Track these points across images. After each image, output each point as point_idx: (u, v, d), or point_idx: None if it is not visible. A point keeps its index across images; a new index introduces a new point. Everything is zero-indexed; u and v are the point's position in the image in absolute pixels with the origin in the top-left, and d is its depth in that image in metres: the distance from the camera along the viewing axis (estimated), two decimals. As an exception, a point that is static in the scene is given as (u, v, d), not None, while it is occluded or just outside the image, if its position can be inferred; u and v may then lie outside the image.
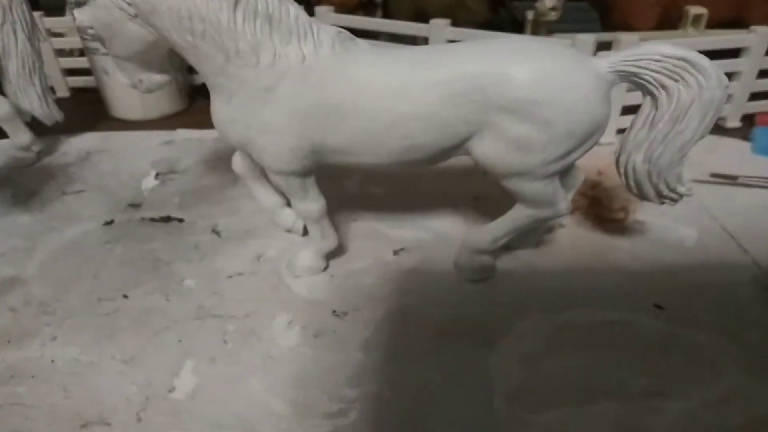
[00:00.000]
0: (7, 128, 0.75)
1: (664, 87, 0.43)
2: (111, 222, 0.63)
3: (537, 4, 0.77)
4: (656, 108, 0.43)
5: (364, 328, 0.48)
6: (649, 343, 0.46)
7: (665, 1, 0.79)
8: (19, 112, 0.75)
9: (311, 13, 0.86)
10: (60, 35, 0.96)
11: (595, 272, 0.54)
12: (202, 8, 0.41)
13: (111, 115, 0.89)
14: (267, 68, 0.43)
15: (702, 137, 0.44)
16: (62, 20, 0.92)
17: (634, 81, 0.44)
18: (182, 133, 0.82)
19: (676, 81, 0.42)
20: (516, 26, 0.87)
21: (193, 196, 0.67)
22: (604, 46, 0.71)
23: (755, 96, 0.78)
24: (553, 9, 0.76)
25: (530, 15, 0.79)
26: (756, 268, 0.54)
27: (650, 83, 0.43)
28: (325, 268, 0.54)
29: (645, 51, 0.43)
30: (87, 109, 0.90)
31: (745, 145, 0.74)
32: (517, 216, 0.48)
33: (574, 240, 0.58)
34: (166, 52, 0.47)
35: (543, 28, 0.80)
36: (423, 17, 0.93)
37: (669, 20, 0.80)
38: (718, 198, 0.64)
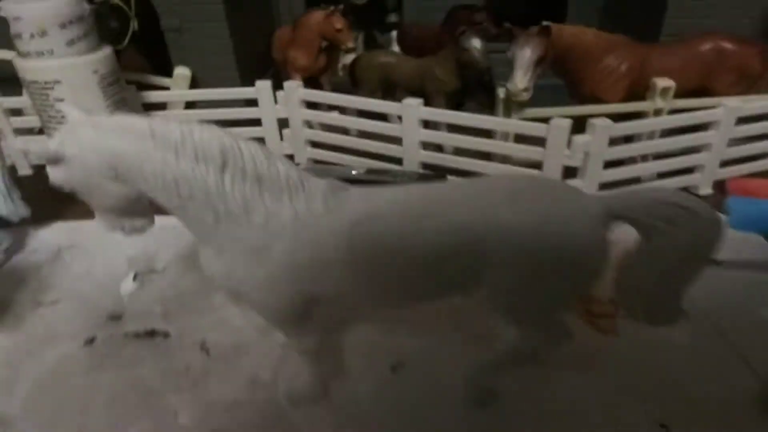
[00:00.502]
0: (-29, 227, 0.72)
1: (660, 231, 0.44)
2: (92, 340, 0.62)
3: (508, 86, 0.78)
4: (654, 249, 0.44)
5: None
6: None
7: (633, 74, 0.81)
8: (-18, 213, 0.73)
9: (279, 86, 0.86)
10: (19, 113, 0.93)
11: (598, 388, 0.55)
12: (187, 173, 0.41)
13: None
14: (259, 228, 0.43)
15: (699, 272, 0.46)
16: (20, 99, 0.90)
17: (629, 221, 0.44)
18: (157, 221, 0.80)
19: (674, 225, 0.43)
20: (487, 91, 0.89)
21: (177, 303, 0.67)
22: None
23: (725, 163, 0.82)
24: (525, 90, 0.77)
25: (502, 94, 0.81)
26: (755, 380, 0.56)
27: (646, 227, 0.44)
28: (323, 395, 0.53)
29: (640, 196, 0.44)
30: (49, 188, 0.88)
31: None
32: (512, 350, 0.51)
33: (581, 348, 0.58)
34: (143, 204, 0.46)
35: (515, 107, 0.81)
36: (391, 86, 0.94)
37: (637, 93, 0.82)
38: (702, 285, 0.65)
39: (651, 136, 0.81)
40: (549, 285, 0.44)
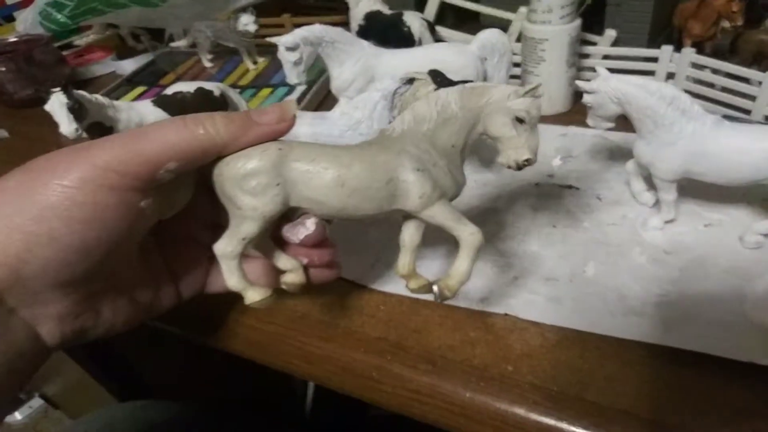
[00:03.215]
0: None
1: None
2: (538, 184, 1.18)
3: None
4: None
5: (681, 261, 0.95)
6: None
7: None
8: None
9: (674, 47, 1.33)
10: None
11: None
12: (653, 106, 0.88)
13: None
14: (675, 133, 0.89)
15: None
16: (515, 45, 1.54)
17: None
18: (573, 129, 1.38)
19: None
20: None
21: (584, 175, 1.22)
22: None
23: None
24: None
25: None
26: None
27: None
28: (662, 229, 1.01)
29: None
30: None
31: None
32: None
33: None
34: (618, 116, 1.00)
35: None
36: (763, 57, 1.32)
37: None
38: None
39: None
40: None
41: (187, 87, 1.19)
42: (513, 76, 1.50)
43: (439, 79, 0.94)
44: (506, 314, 0.91)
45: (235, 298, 0.69)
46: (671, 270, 0.94)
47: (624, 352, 0.83)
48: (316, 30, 1.20)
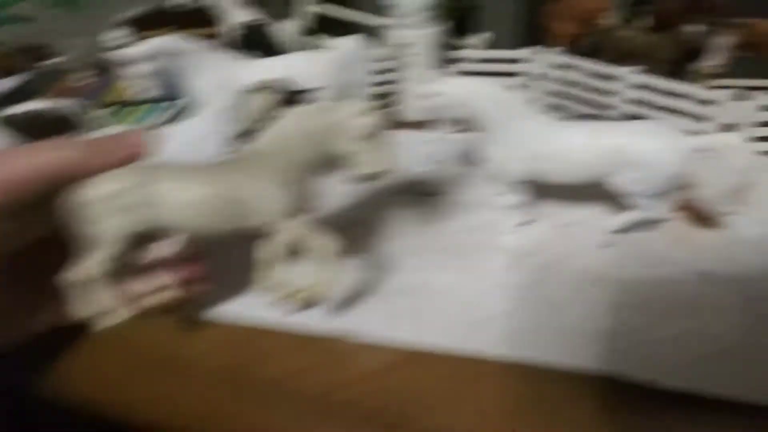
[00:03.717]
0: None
1: (719, 157, 0.84)
2: (399, 192, 1.16)
3: (701, 63, 1.14)
4: (714, 167, 0.85)
5: (538, 265, 0.92)
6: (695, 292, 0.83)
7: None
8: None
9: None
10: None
11: (680, 248, 0.91)
12: (495, 107, 0.88)
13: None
14: (518, 133, 0.88)
15: (740, 187, 0.84)
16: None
17: (706, 152, 0.85)
18: (439, 134, 1.34)
19: (725, 157, 0.84)
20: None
21: (447, 180, 1.18)
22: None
23: None
24: (714, 67, 1.12)
25: (694, 68, 1.16)
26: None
27: (713, 155, 0.85)
28: (520, 231, 1.00)
29: (713, 139, 0.87)
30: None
31: None
32: (633, 215, 0.91)
33: (676, 227, 0.96)
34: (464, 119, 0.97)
35: (703, 78, 1.17)
36: (627, 54, 1.33)
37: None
38: None
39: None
40: (653, 182, 0.87)
41: (38, 105, 1.15)
42: (384, 83, 1.48)
43: (284, 89, 0.89)
44: (348, 335, 0.85)
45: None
46: (524, 275, 0.92)
47: (470, 368, 0.79)
48: (168, 40, 1.15)
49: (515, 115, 0.86)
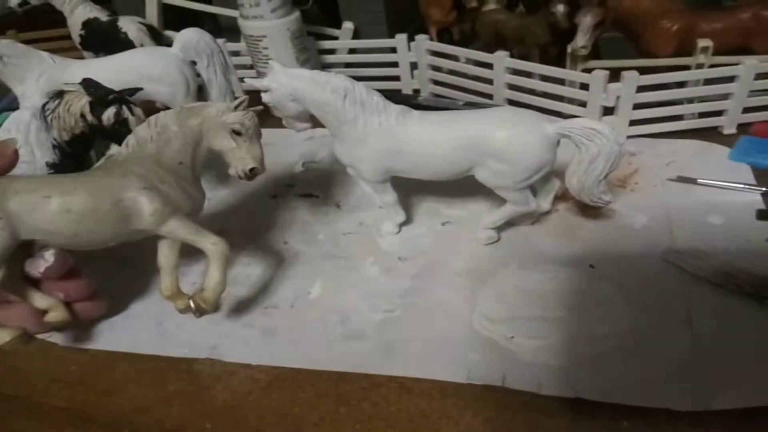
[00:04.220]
0: (211, 133, 1.25)
1: (583, 144, 0.79)
2: (275, 197, 1.09)
3: (572, 44, 1.12)
4: (580, 155, 0.80)
5: (415, 268, 0.87)
6: (579, 288, 0.81)
7: (681, 34, 1.09)
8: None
9: (411, 39, 1.27)
10: (237, 54, 1.45)
11: (563, 242, 0.89)
12: (329, 100, 0.82)
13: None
14: (361, 129, 0.81)
15: (609, 172, 0.80)
16: (238, 45, 1.41)
17: (568, 138, 0.81)
18: (319, 131, 1.27)
19: (590, 141, 0.78)
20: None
21: (326, 180, 1.12)
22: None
23: (748, 110, 1.08)
24: (583, 47, 1.10)
25: (569, 49, 1.14)
26: (671, 246, 0.85)
27: (576, 141, 0.80)
28: (397, 233, 0.94)
29: (574, 123, 0.79)
30: (255, 106, 1.39)
31: (726, 152, 1.04)
32: (506, 210, 0.86)
33: (560, 220, 0.94)
34: (308, 116, 0.91)
35: (579, 60, 1.15)
36: (501, 38, 1.30)
37: (684, 49, 1.10)
38: (676, 195, 0.95)
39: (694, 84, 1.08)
40: (516, 173, 0.81)
41: None
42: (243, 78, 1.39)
43: (93, 90, 0.80)
44: (208, 358, 0.77)
45: None
46: (403, 280, 0.86)
47: (341, 386, 0.73)
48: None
49: (360, 106, 0.80)
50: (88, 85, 0.80)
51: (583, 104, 1.09)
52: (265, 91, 0.84)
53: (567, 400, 0.67)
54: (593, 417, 0.65)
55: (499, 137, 0.78)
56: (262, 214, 1.05)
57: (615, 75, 1.05)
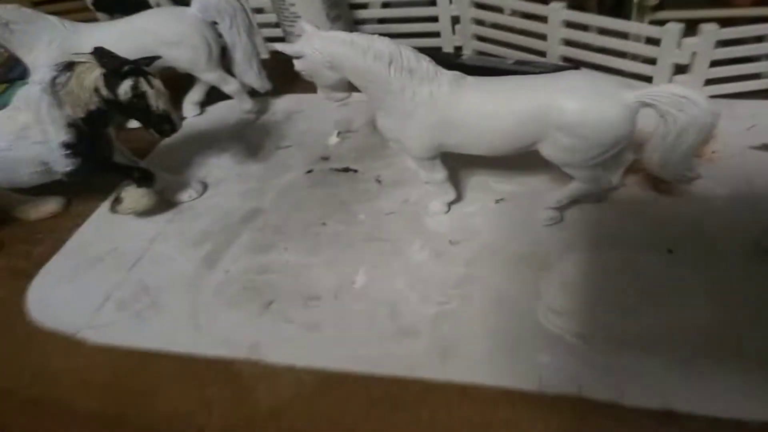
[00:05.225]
0: (236, 98, 1.17)
1: (671, 114, 0.70)
2: (310, 171, 1.03)
3: (638, -6, 1.02)
4: (666, 127, 0.71)
5: (468, 252, 0.82)
6: (654, 275, 0.74)
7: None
8: (243, 85, 1.17)
9: None
10: (260, 11, 1.37)
11: (634, 222, 0.82)
12: (372, 68, 0.75)
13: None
14: (409, 100, 0.74)
15: (697, 147, 0.72)
16: (261, 1, 1.32)
17: (652, 107, 0.71)
18: (355, 96, 1.20)
19: (680, 111, 0.69)
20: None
21: (364, 152, 1.05)
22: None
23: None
24: (652, -2, 1.00)
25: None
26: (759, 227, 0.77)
27: (663, 111, 0.70)
28: (447, 212, 0.88)
29: (660, 90, 0.70)
30: (283, 69, 1.30)
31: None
32: (573, 188, 0.79)
33: (629, 196, 0.86)
34: (347, 84, 0.83)
35: (647, 10, 1.05)
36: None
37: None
38: (760, 165, 0.86)
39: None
40: (590, 149, 0.73)
41: None
42: (275, 39, 1.30)
43: (106, 60, 0.73)
44: (249, 358, 0.73)
45: None
46: (456, 267, 0.80)
47: (398, 391, 0.67)
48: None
49: (408, 74, 0.73)
50: (101, 54, 0.73)
51: (650, 61, 0.99)
52: (297, 58, 0.76)
53: (654, 411, 0.60)
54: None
55: (570, 108, 0.70)
56: (296, 192, 0.99)
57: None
